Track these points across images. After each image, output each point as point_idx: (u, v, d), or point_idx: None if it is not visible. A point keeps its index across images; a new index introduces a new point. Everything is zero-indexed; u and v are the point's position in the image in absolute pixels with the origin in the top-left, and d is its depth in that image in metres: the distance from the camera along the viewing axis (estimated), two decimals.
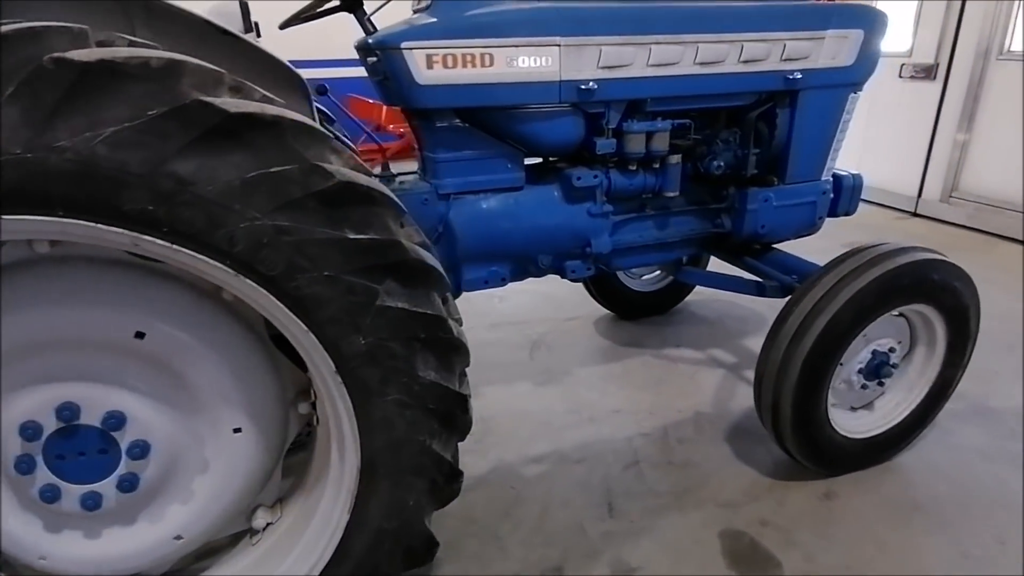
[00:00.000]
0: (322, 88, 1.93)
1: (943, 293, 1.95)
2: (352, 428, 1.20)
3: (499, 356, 3.11)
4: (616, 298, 3.37)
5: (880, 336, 2.01)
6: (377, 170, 2.02)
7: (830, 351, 1.87)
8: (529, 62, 1.81)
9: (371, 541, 1.32)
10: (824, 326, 1.83)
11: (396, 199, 1.21)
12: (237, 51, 1.22)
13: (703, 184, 2.33)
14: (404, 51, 1.71)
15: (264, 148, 1.00)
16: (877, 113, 5.42)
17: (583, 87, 1.88)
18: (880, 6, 2.78)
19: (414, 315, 1.16)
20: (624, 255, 2.31)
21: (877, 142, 5.52)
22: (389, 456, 1.23)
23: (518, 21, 1.78)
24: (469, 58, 1.75)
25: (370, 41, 1.77)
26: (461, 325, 1.37)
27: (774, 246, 2.52)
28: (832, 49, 2.15)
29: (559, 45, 1.82)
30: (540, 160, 2.20)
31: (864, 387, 2.06)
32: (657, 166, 2.14)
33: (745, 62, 2.05)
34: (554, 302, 3.64)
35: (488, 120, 1.93)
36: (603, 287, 3.30)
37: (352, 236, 1.06)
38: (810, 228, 2.44)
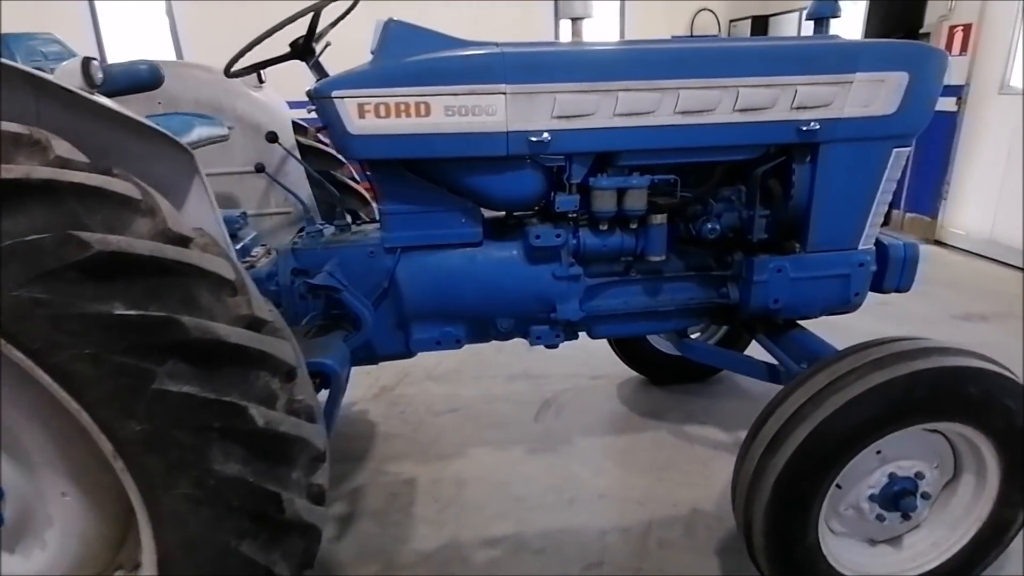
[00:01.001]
0: (272, 136, 1.91)
1: (987, 411, 1.48)
2: (144, 518, 1.09)
3: (503, 415, 2.91)
4: (643, 360, 3.04)
5: (902, 456, 1.57)
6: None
7: (816, 469, 1.48)
8: (471, 111, 1.65)
9: None
10: (805, 438, 1.45)
11: (224, 267, 1.11)
12: (89, 112, 1.18)
13: (706, 247, 2.01)
14: (335, 100, 1.62)
15: (31, 214, 0.94)
16: (1017, 159, 4.57)
17: (534, 138, 1.68)
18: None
19: (205, 402, 1.03)
20: (606, 322, 2.04)
21: (1017, 193, 4.63)
22: (184, 555, 1.10)
23: (457, 68, 1.64)
24: (403, 107, 1.63)
25: (307, 90, 1.71)
26: (310, 413, 1.23)
27: (800, 323, 2.11)
28: (863, 95, 1.76)
29: (505, 93, 1.64)
30: (504, 213, 2.01)
31: (881, 518, 1.61)
32: (635, 226, 1.87)
33: (742, 110, 1.74)
34: (584, 354, 3.33)
35: (435, 172, 1.79)
36: (627, 346, 2.99)
37: (118, 312, 0.96)
38: (844, 306, 2.01)
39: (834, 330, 2.09)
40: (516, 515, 2.23)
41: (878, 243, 2.02)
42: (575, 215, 1.88)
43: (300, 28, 1.83)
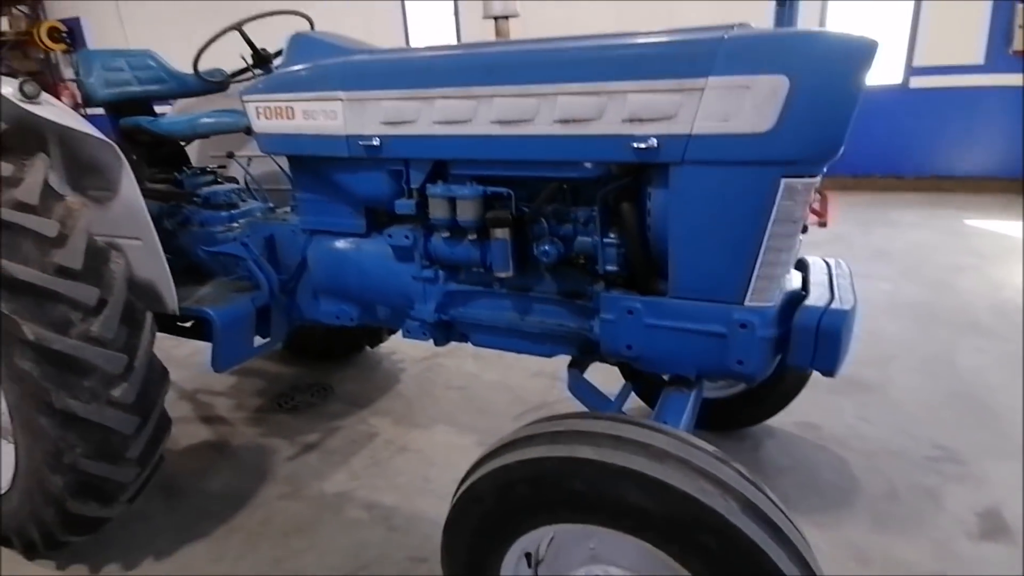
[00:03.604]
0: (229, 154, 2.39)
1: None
2: None
3: (496, 405, 2.98)
4: (653, 398, 2.72)
5: (613, 561, 1.27)
6: None
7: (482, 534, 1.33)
8: (320, 116, 1.84)
9: None
10: (459, 495, 1.32)
11: (49, 228, 1.62)
12: None
13: (579, 272, 1.80)
14: (245, 103, 2.00)
15: None
16: None
17: (366, 143, 1.78)
18: None
19: (6, 317, 1.57)
20: (479, 332, 2.01)
21: None
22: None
23: (308, 77, 1.84)
24: (279, 111, 1.92)
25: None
26: (103, 342, 1.67)
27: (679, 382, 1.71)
28: (720, 106, 1.35)
29: (341, 100, 1.78)
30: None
31: None
32: (473, 237, 1.79)
33: (563, 121, 1.51)
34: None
35: (314, 168, 2.02)
36: (639, 379, 2.72)
37: None
38: (723, 371, 1.56)
39: None
40: (415, 493, 2.38)
41: (791, 301, 1.52)
42: (415, 219, 1.89)
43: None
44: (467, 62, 1.64)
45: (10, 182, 1.65)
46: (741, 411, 2.52)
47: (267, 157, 2.58)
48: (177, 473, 2.51)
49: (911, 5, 6.17)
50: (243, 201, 2.53)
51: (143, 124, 2.20)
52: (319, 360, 3.44)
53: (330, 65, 1.81)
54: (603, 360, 1.88)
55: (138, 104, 2.46)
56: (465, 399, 3.05)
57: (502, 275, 1.79)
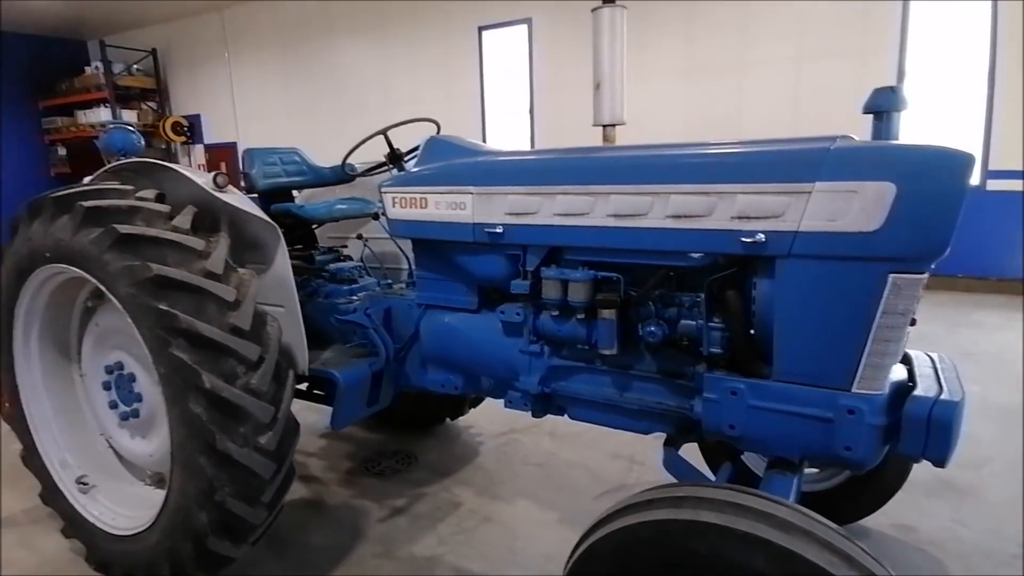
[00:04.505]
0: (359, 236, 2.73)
1: None
2: (165, 421, 1.95)
3: (575, 484, 3.04)
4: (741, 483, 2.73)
5: None
6: None
7: None
8: (450, 207, 2.12)
9: None
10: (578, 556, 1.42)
11: (228, 293, 1.90)
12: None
13: (680, 352, 1.93)
14: (383, 193, 2.32)
15: (140, 252, 1.90)
16: None
17: (491, 230, 2.03)
18: None
19: (186, 365, 1.83)
20: (577, 406, 2.14)
21: None
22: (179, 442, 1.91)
23: (442, 174, 2.14)
24: (413, 201, 2.22)
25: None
26: (259, 394, 1.91)
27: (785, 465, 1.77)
28: (828, 207, 1.52)
29: (471, 193, 2.06)
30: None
31: None
32: (582, 317, 1.97)
33: (675, 216, 1.72)
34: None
35: (437, 251, 2.28)
36: (717, 458, 2.75)
37: (162, 307, 1.83)
38: (830, 456, 1.63)
39: None
40: (501, 563, 2.44)
41: (899, 391, 1.60)
42: (541, 300, 2.09)
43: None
44: (586, 164, 1.89)
45: (201, 255, 1.96)
46: (838, 506, 2.46)
47: (380, 239, 2.91)
48: (280, 525, 2.66)
49: (983, 108, 6.30)
50: (361, 277, 2.83)
51: (292, 209, 2.56)
52: (402, 429, 3.61)
53: (462, 164, 2.12)
54: (700, 439, 1.96)
55: (283, 192, 2.85)
56: (545, 476, 3.12)
57: (607, 352, 1.95)
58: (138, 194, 2.08)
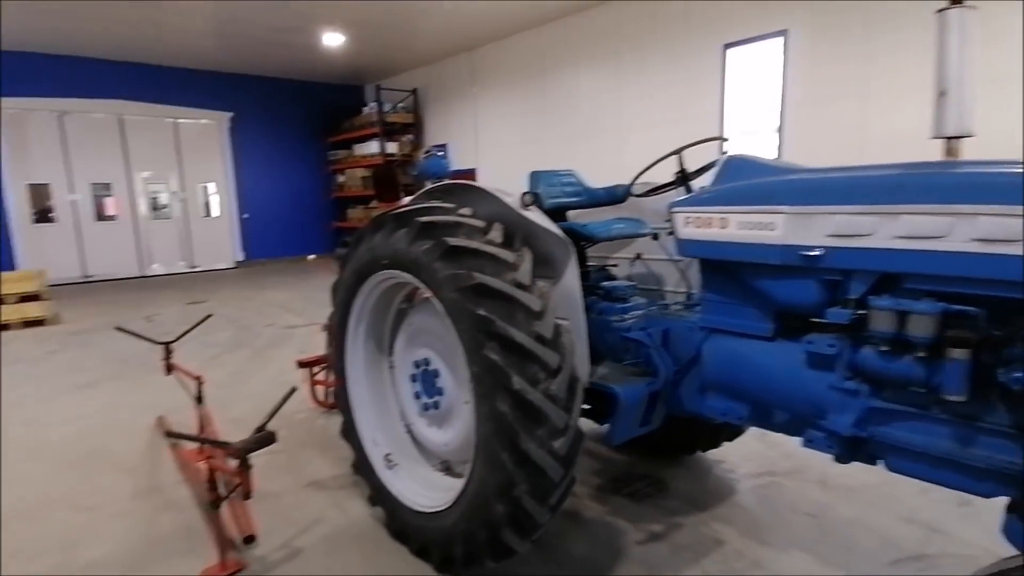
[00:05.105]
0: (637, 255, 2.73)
1: None
2: (473, 417, 2.15)
3: (858, 544, 2.67)
4: None
5: None
6: None
7: None
8: (756, 227, 2.01)
9: None
10: None
11: (535, 303, 2.05)
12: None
13: None
14: (674, 213, 2.31)
15: (463, 262, 2.14)
16: None
17: (807, 252, 1.88)
18: None
19: (497, 366, 2.01)
20: (896, 455, 1.87)
21: None
22: (485, 434, 2.09)
23: (748, 192, 2.03)
24: (709, 221, 2.16)
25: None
26: (555, 399, 2.02)
27: None
28: None
29: (783, 213, 1.93)
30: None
31: None
32: (923, 355, 1.71)
33: None
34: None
35: (732, 272, 2.18)
36: None
37: (480, 312, 2.03)
38: None
39: None
40: None
41: None
42: (866, 332, 1.86)
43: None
44: (944, 181, 1.65)
45: (511, 267, 2.15)
46: None
47: (658, 260, 2.89)
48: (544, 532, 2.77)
49: None
50: (633, 296, 2.85)
51: (576, 228, 2.69)
52: (649, 453, 3.54)
53: (773, 182, 2.00)
54: None
55: (562, 211, 3.02)
56: (820, 530, 2.79)
57: (952, 398, 1.66)
58: (459, 211, 2.35)
